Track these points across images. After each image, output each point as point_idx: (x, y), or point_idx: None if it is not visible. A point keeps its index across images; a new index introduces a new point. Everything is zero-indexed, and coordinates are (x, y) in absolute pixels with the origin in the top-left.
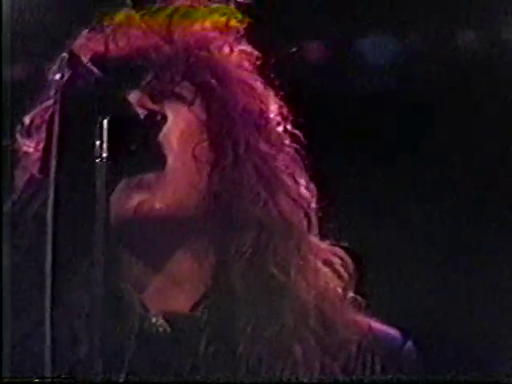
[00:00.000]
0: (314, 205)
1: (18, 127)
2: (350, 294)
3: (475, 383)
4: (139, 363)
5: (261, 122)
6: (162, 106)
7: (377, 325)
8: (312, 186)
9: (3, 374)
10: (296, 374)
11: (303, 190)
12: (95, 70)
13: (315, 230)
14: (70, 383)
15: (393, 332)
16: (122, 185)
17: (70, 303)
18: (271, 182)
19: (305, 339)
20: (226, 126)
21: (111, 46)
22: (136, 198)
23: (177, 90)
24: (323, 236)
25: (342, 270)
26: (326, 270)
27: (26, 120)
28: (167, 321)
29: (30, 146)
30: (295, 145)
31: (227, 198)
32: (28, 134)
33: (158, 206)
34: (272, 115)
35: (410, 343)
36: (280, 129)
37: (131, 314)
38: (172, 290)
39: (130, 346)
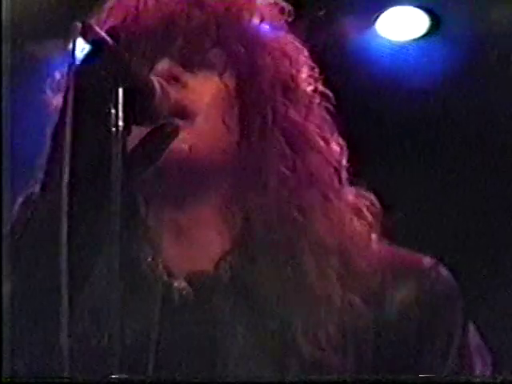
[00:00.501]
0: (344, 162)
1: (48, 80)
2: (374, 236)
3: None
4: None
5: (291, 87)
6: (191, 75)
7: (402, 252)
8: (342, 143)
9: (3, 373)
10: (316, 312)
11: (333, 147)
12: (108, 38)
13: (345, 185)
14: (70, 383)
15: (421, 257)
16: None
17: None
18: (299, 143)
19: (326, 276)
20: (256, 95)
21: (141, 12)
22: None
23: (207, 58)
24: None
25: (367, 212)
26: (351, 213)
27: (57, 75)
28: (190, 284)
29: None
30: (326, 104)
31: (253, 158)
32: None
33: (185, 148)
34: (303, 76)
35: (442, 267)
36: (310, 89)
37: (154, 281)
38: (196, 249)
39: (155, 319)
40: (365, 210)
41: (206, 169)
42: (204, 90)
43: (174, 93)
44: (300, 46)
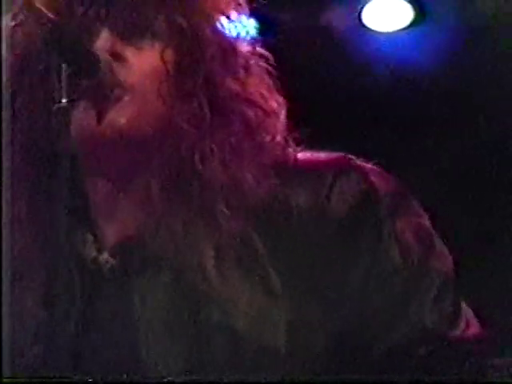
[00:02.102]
0: (282, 117)
1: None
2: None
3: None
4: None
5: (230, 55)
6: (131, 50)
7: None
8: (281, 99)
9: (3, 374)
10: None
11: (272, 104)
12: (50, 13)
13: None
14: (70, 383)
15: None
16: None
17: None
18: (228, 109)
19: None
20: (194, 68)
21: None
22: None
23: (151, 27)
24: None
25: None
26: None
27: None
28: (114, 254)
29: None
30: (264, 65)
31: (185, 129)
32: None
33: (121, 121)
34: (242, 43)
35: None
36: (248, 50)
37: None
38: (122, 221)
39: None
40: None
41: (141, 141)
42: (143, 65)
43: (115, 68)
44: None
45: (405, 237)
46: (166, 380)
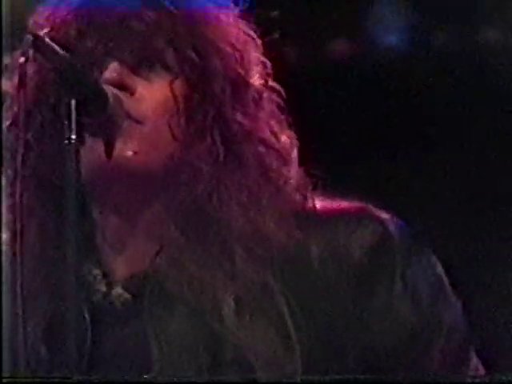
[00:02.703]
0: (294, 154)
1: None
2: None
3: None
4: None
5: (240, 86)
6: (140, 81)
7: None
8: (293, 136)
9: (3, 374)
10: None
11: (283, 140)
12: (59, 49)
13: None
14: (70, 383)
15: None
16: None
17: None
18: (241, 146)
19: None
20: (204, 100)
21: (91, 11)
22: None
23: (160, 58)
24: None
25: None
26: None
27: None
28: (127, 288)
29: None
30: (276, 99)
31: (199, 166)
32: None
33: (130, 153)
34: (253, 73)
35: (401, 223)
36: (260, 83)
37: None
38: (132, 254)
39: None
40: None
41: (150, 175)
42: (152, 98)
43: (124, 100)
44: (253, 37)
45: (417, 285)
46: None
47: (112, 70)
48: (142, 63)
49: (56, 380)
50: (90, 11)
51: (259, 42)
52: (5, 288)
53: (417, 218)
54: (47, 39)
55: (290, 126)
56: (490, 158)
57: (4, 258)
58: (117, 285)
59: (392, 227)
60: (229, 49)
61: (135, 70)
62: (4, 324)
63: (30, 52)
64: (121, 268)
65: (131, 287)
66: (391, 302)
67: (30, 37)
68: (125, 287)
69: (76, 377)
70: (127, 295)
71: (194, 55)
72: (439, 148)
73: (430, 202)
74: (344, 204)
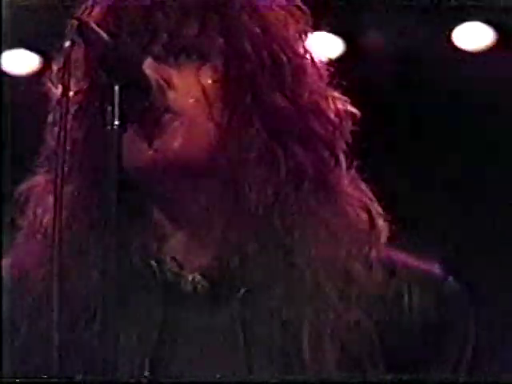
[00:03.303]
0: (347, 128)
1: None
2: (381, 227)
3: None
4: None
5: (277, 68)
6: (177, 73)
7: (411, 260)
8: (345, 105)
9: (3, 374)
10: (315, 331)
11: (332, 118)
12: (104, 35)
13: (341, 166)
14: (70, 383)
15: (431, 267)
16: (132, 128)
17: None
18: (285, 132)
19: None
20: (239, 86)
21: (121, 9)
22: (152, 144)
23: (194, 46)
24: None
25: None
26: (348, 212)
27: (54, 68)
28: (204, 276)
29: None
30: (322, 66)
31: (234, 155)
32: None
33: (174, 145)
34: (293, 49)
35: (451, 279)
36: (300, 58)
37: (166, 274)
38: (195, 243)
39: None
40: (365, 205)
41: (195, 165)
42: (188, 88)
43: (166, 90)
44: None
45: None
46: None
47: (149, 64)
48: (177, 54)
49: (56, 380)
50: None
51: (302, 14)
52: (5, 288)
53: None
54: (92, 24)
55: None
56: None
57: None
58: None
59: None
60: (260, 30)
61: (171, 62)
62: (4, 324)
63: (76, 37)
64: (189, 257)
65: (206, 275)
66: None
67: (75, 22)
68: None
69: (76, 377)
70: (204, 282)
71: (222, 37)
72: None
73: None
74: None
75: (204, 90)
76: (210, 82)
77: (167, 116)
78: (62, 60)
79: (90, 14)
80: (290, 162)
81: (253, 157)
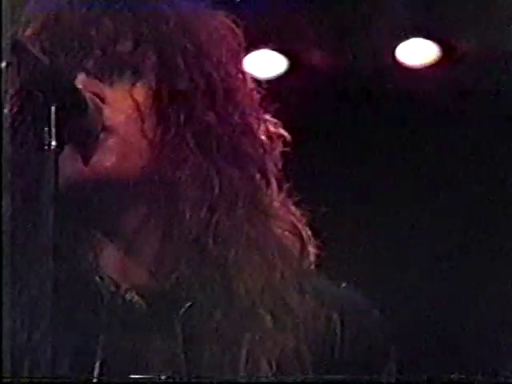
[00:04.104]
0: (277, 151)
1: None
2: (312, 252)
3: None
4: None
5: (210, 85)
6: (109, 88)
7: (337, 293)
8: (275, 127)
9: (3, 373)
10: (252, 353)
11: (263, 138)
12: (39, 54)
13: (272, 186)
14: (70, 383)
15: (357, 300)
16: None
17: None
18: (215, 150)
19: (261, 323)
20: (172, 102)
21: (56, 26)
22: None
23: (126, 62)
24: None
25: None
26: (279, 235)
27: None
28: (141, 296)
29: None
30: (255, 87)
31: (168, 172)
32: None
33: (109, 163)
34: (225, 68)
35: (376, 312)
36: (233, 76)
37: (100, 293)
38: (131, 261)
39: (105, 329)
40: (296, 229)
41: (131, 184)
42: (121, 104)
43: (102, 108)
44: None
45: None
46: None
47: (82, 80)
48: (110, 71)
49: (56, 380)
50: (61, 16)
51: (235, 34)
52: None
53: None
54: (27, 44)
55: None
56: None
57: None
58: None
59: None
60: (193, 46)
61: (104, 78)
62: (4, 324)
63: (13, 57)
64: (126, 275)
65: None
66: None
67: (10, 42)
68: (138, 293)
69: (76, 377)
70: (141, 301)
71: (155, 54)
72: None
73: None
74: None
75: (137, 107)
76: (142, 98)
77: (102, 134)
78: None
79: (23, 32)
80: (224, 182)
81: (186, 175)
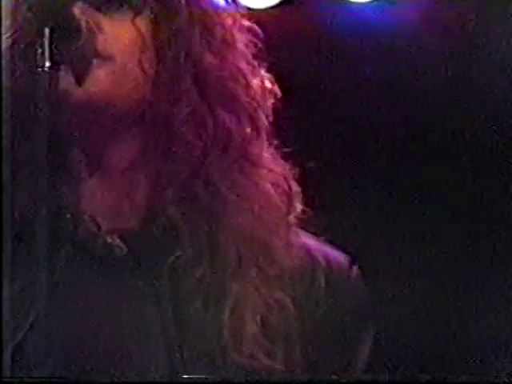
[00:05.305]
0: (268, 105)
1: None
2: (297, 206)
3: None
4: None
5: (209, 25)
6: (107, 19)
7: (321, 248)
8: (268, 82)
9: (3, 373)
10: (236, 306)
11: (256, 89)
12: None
13: (262, 136)
14: (70, 383)
15: (339, 256)
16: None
17: None
18: (212, 94)
19: (245, 273)
20: (171, 37)
21: None
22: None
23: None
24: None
25: (286, 185)
26: (269, 187)
27: None
28: (122, 240)
29: None
30: (252, 39)
31: (164, 108)
32: None
33: (101, 89)
34: (223, 11)
35: (356, 269)
36: (231, 23)
37: (81, 233)
38: (119, 202)
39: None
40: (284, 182)
41: (122, 113)
42: (120, 36)
43: (96, 34)
44: None
45: None
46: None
47: (80, 8)
48: (108, 3)
49: (56, 380)
50: None
51: None
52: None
53: None
54: None
55: (267, 71)
56: None
57: None
58: (109, 233)
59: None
60: None
61: (102, 9)
62: (4, 324)
63: None
64: (108, 216)
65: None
66: None
67: None
68: (120, 238)
69: (76, 377)
70: (123, 246)
71: None
72: None
73: None
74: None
75: (135, 39)
76: (141, 32)
77: (96, 60)
78: None
79: None
80: (217, 125)
81: (181, 113)
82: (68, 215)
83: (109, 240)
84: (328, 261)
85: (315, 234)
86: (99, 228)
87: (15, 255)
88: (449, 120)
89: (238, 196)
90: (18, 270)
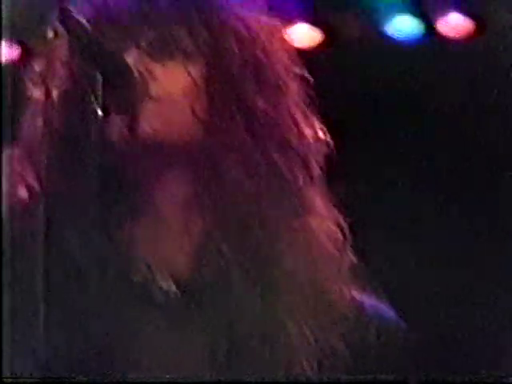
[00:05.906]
0: (320, 154)
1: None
2: (350, 256)
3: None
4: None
5: (262, 70)
6: (160, 67)
7: (370, 301)
8: (321, 132)
9: (3, 373)
10: (291, 350)
11: (309, 138)
12: (87, 26)
13: (315, 184)
14: (70, 383)
15: (387, 311)
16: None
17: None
18: (265, 138)
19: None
20: (224, 82)
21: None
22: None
23: (179, 47)
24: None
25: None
26: (320, 233)
27: (36, 67)
28: (175, 283)
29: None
30: (304, 87)
31: (216, 149)
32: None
33: (150, 131)
34: (277, 58)
35: (402, 322)
36: (285, 70)
37: (136, 279)
38: (172, 245)
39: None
40: (338, 231)
41: (173, 156)
42: (172, 80)
43: (148, 81)
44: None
45: None
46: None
47: (133, 56)
48: (161, 49)
49: (56, 380)
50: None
51: (284, 31)
52: (5, 288)
53: None
54: (74, 12)
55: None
56: None
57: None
58: (162, 277)
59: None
60: (246, 32)
61: (154, 56)
62: (4, 324)
63: (58, 26)
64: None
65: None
66: None
67: (57, 11)
68: (174, 282)
69: (76, 377)
70: (177, 291)
71: (208, 37)
72: None
73: None
74: None
75: (188, 84)
76: (193, 76)
77: (147, 102)
78: (44, 58)
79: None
80: (271, 171)
81: (234, 158)
82: (123, 263)
83: (164, 286)
84: (380, 316)
85: (365, 286)
86: (153, 274)
87: (68, 301)
88: None
89: (293, 242)
90: (72, 317)
